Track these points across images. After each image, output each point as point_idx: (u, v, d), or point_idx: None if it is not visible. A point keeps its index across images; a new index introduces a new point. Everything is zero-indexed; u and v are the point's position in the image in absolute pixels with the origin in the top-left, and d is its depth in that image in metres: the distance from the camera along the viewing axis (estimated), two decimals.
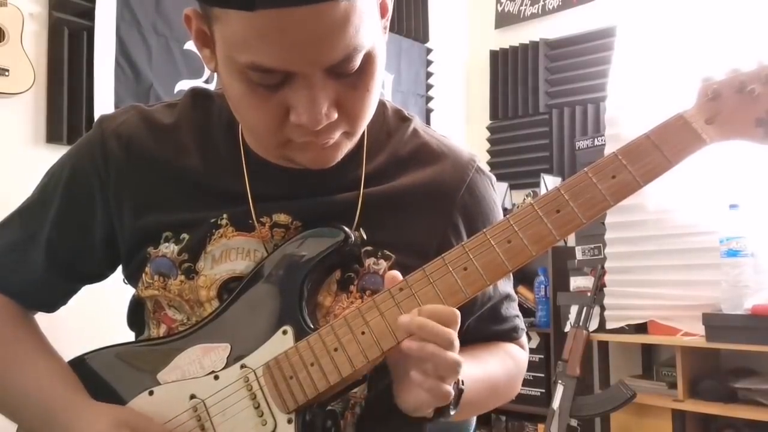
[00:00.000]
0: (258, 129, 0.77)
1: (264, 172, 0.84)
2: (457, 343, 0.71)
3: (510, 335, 0.97)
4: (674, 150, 0.75)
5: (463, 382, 0.76)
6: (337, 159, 0.80)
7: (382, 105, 0.90)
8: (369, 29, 0.70)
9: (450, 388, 0.72)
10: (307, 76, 0.69)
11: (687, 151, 0.75)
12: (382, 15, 0.76)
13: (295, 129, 0.73)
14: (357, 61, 0.70)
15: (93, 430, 0.77)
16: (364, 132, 0.83)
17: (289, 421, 0.76)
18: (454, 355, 0.70)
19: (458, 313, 0.72)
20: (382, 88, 0.77)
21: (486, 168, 0.94)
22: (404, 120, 0.92)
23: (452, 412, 0.76)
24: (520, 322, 0.98)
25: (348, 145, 0.80)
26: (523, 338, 1.00)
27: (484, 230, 0.76)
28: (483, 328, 0.93)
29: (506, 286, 0.96)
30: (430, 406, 0.75)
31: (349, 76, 0.71)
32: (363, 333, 0.74)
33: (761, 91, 0.74)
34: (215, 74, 0.77)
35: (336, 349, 0.75)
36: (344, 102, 0.73)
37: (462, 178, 0.89)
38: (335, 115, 0.73)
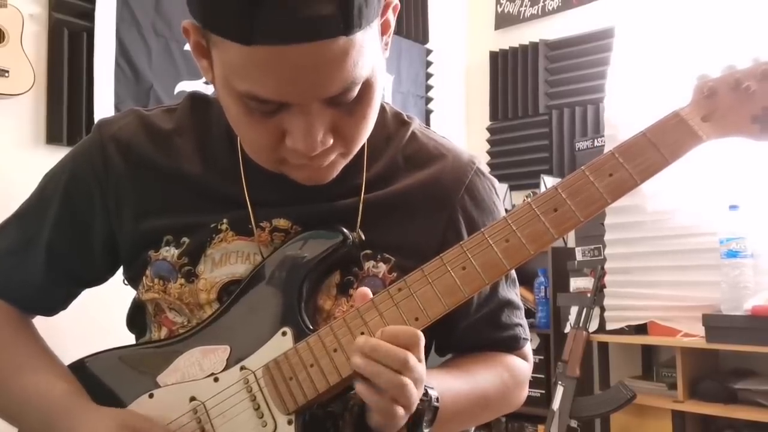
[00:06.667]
0: (254, 147, 0.78)
1: (263, 179, 0.84)
2: (413, 364, 0.69)
3: (509, 344, 0.94)
4: (671, 147, 0.75)
5: (438, 399, 0.75)
6: (333, 176, 0.80)
7: (381, 109, 0.90)
8: (369, 59, 0.69)
9: (400, 412, 0.70)
10: (304, 106, 0.69)
11: (684, 148, 0.75)
12: (384, 32, 0.75)
13: (291, 152, 0.74)
14: (355, 92, 0.70)
15: None
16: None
17: (289, 422, 0.76)
18: (403, 378, 0.68)
19: (420, 334, 0.71)
20: (382, 90, 0.77)
21: (487, 170, 0.94)
22: (403, 123, 0.92)
23: (426, 431, 0.75)
24: (523, 332, 0.95)
25: (343, 163, 0.80)
26: (526, 348, 0.97)
27: (482, 230, 0.76)
28: (481, 334, 0.92)
29: (509, 292, 0.93)
30: (392, 427, 0.73)
31: (346, 104, 0.71)
32: (362, 333, 0.74)
33: (757, 88, 0.75)
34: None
35: (335, 350, 0.75)
36: (340, 128, 0.73)
37: (461, 179, 0.89)
38: (331, 141, 0.73)
